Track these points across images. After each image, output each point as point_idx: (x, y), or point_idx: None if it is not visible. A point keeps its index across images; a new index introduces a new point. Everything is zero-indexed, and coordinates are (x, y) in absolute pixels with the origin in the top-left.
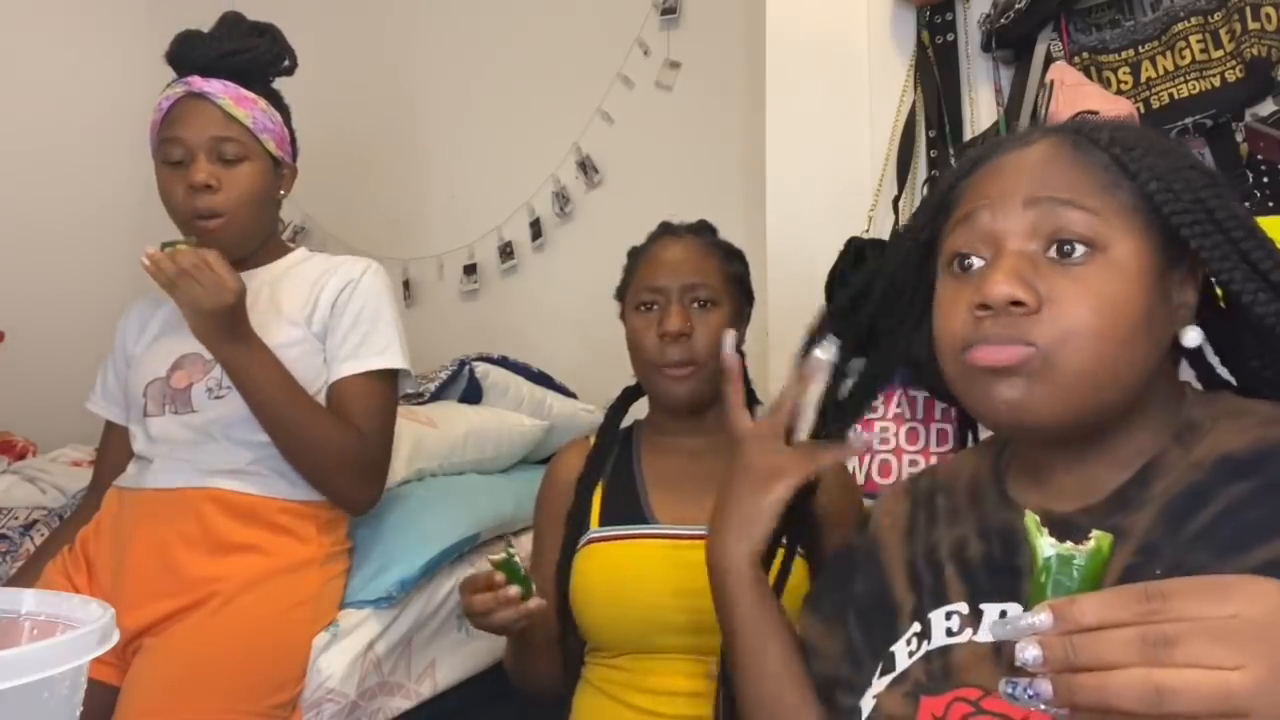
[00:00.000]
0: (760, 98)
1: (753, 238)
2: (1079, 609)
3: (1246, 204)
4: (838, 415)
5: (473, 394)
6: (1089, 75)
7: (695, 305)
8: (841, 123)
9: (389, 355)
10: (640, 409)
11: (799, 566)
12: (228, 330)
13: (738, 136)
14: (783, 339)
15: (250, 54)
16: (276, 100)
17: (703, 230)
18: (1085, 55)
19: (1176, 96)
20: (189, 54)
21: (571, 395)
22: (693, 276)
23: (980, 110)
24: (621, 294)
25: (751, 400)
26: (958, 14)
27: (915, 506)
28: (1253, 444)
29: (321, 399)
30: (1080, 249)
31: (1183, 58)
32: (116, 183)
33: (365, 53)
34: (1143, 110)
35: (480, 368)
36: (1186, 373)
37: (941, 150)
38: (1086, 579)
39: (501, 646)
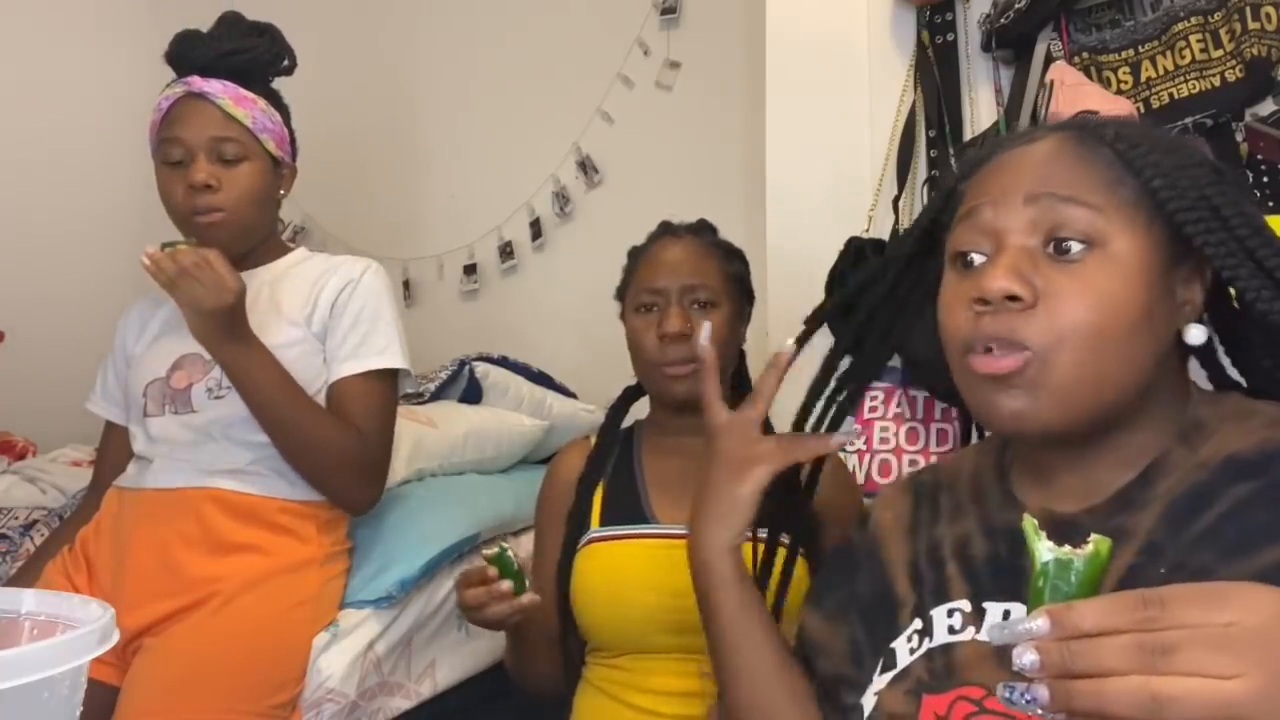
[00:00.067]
0: (760, 98)
1: (753, 238)
2: (1076, 615)
3: None
4: (829, 412)
5: (473, 394)
6: (1089, 75)
7: (695, 306)
8: (841, 123)
9: (389, 355)
10: (641, 409)
11: (799, 566)
12: (227, 330)
13: (738, 136)
14: (783, 339)
15: (250, 54)
16: (276, 100)
17: (703, 230)
18: (1085, 55)
19: (1176, 96)
20: (188, 54)
21: (571, 395)
22: (692, 277)
23: (980, 110)
24: (621, 294)
25: None
26: (958, 14)
27: (918, 503)
28: (1258, 445)
29: (321, 399)
30: (1078, 246)
31: (1183, 58)
32: (117, 183)
33: (365, 53)
34: (1143, 110)
35: (480, 368)
36: (1198, 374)
37: (941, 150)
38: (1084, 584)
39: (501, 646)
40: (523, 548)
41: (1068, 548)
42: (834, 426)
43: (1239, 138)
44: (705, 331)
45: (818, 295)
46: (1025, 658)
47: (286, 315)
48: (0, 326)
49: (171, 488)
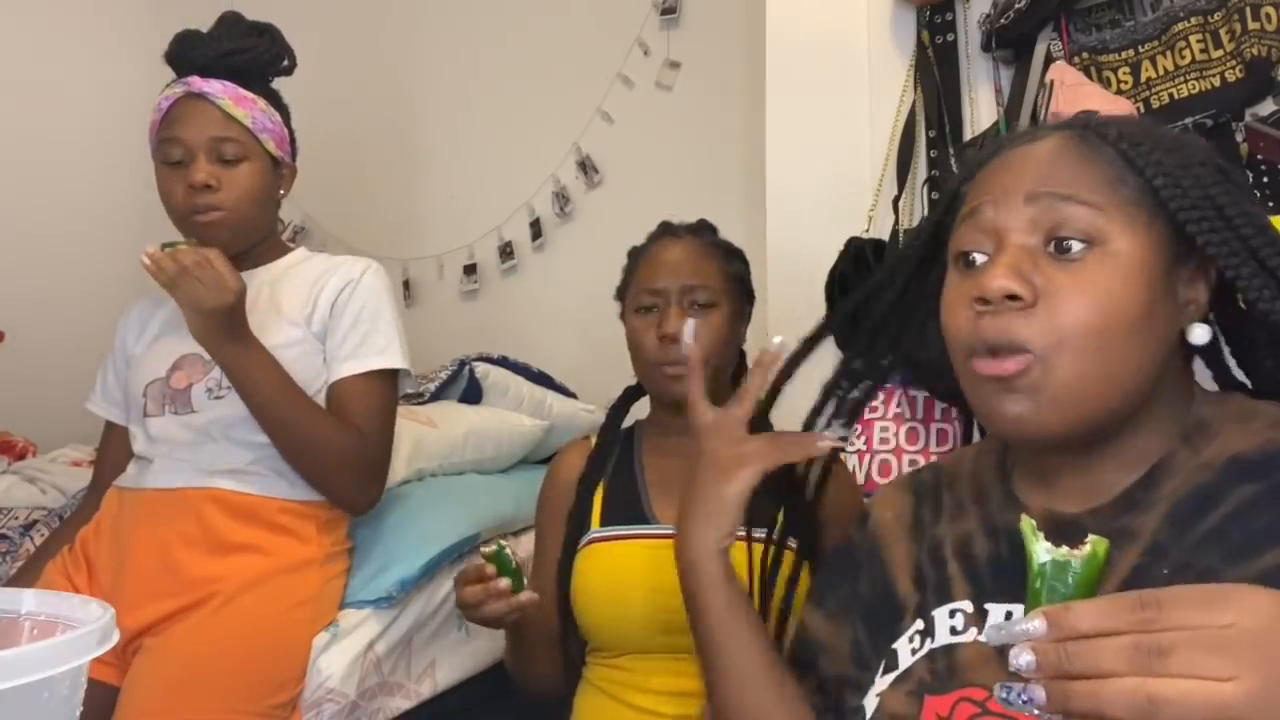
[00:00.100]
0: (760, 98)
1: (753, 238)
2: (1073, 616)
3: None
4: (838, 415)
5: (473, 394)
6: (1089, 75)
7: (695, 306)
8: (841, 123)
9: (389, 355)
10: (641, 409)
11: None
12: (227, 330)
13: (738, 136)
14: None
15: (249, 54)
16: (276, 100)
17: (703, 230)
18: (1085, 55)
19: (1176, 96)
20: (188, 54)
21: (571, 395)
22: (692, 278)
23: (980, 110)
24: (621, 294)
25: None
26: (958, 14)
27: (918, 502)
28: (1261, 446)
29: (321, 399)
30: (1079, 244)
31: (1183, 58)
32: (117, 183)
33: (365, 53)
34: (1142, 110)
35: (480, 368)
36: (1204, 374)
37: (941, 150)
38: (1082, 584)
39: (501, 646)
40: (523, 548)
41: (1065, 549)
42: (847, 428)
43: (1239, 138)
44: (689, 330)
45: (818, 295)
46: (1022, 658)
47: (286, 315)
48: (0, 326)
49: (171, 488)
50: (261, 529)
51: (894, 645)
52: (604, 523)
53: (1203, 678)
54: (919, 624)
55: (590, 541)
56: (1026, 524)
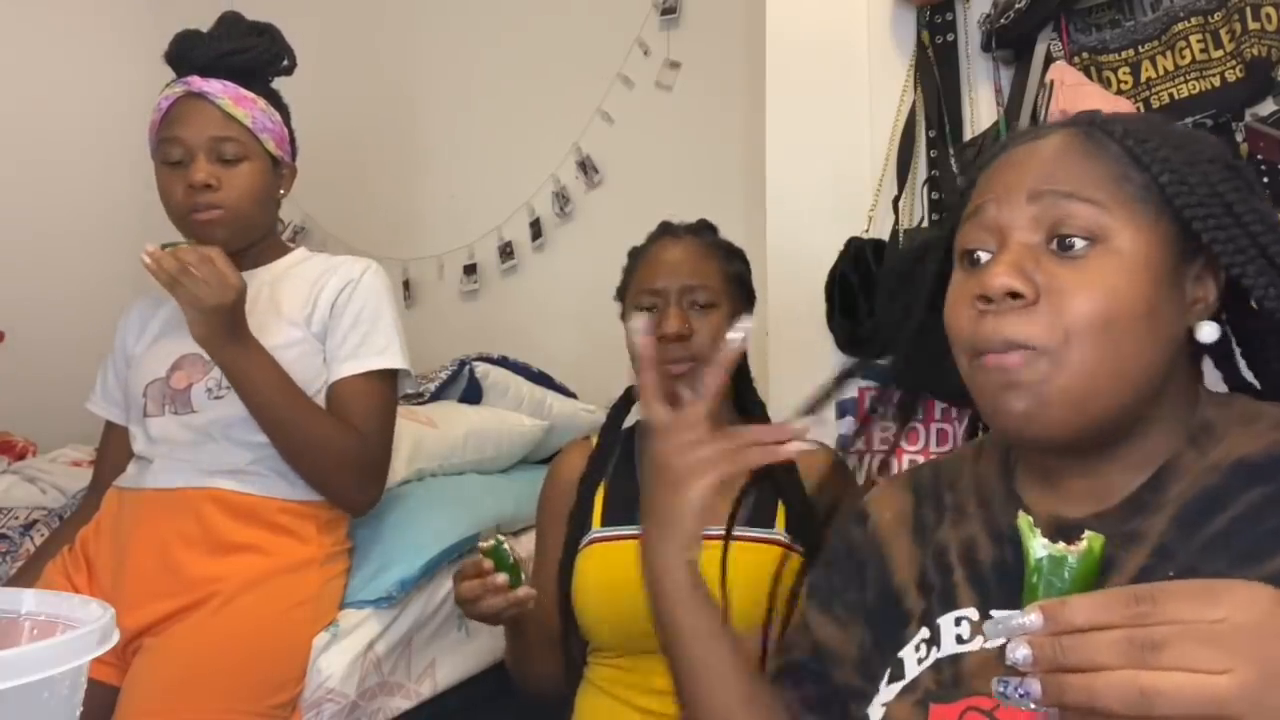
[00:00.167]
0: (760, 98)
1: (753, 238)
2: (1069, 610)
3: None
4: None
5: (473, 394)
6: (1089, 75)
7: (695, 306)
8: (841, 123)
9: (389, 355)
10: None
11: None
12: (228, 330)
13: (738, 136)
14: (782, 339)
15: (249, 54)
16: (276, 100)
17: (703, 230)
18: (1085, 55)
19: (1176, 96)
20: (188, 54)
21: (571, 395)
22: (691, 278)
23: (980, 110)
24: (621, 295)
25: (751, 399)
26: (958, 14)
27: (919, 502)
28: (1267, 449)
29: (321, 399)
30: (1081, 242)
31: (1183, 58)
32: (117, 183)
33: (365, 53)
34: (1143, 110)
35: (480, 368)
36: (1212, 375)
37: (941, 150)
38: (1078, 580)
39: (502, 646)
40: (523, 547)
41: (1061, 544)
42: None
43: (1239, 138)
44: (642, 324)
45: (818, 295)
46: (1018, 652)
47: (286, 315)
48: (0, 326)
49: (171, 488)
50: (261, 529)
51: (900, 654)
52: (605, 523)
53: (1196, 670)
54: (924, 632)
55: (591, 541)
56: (1024, 520)
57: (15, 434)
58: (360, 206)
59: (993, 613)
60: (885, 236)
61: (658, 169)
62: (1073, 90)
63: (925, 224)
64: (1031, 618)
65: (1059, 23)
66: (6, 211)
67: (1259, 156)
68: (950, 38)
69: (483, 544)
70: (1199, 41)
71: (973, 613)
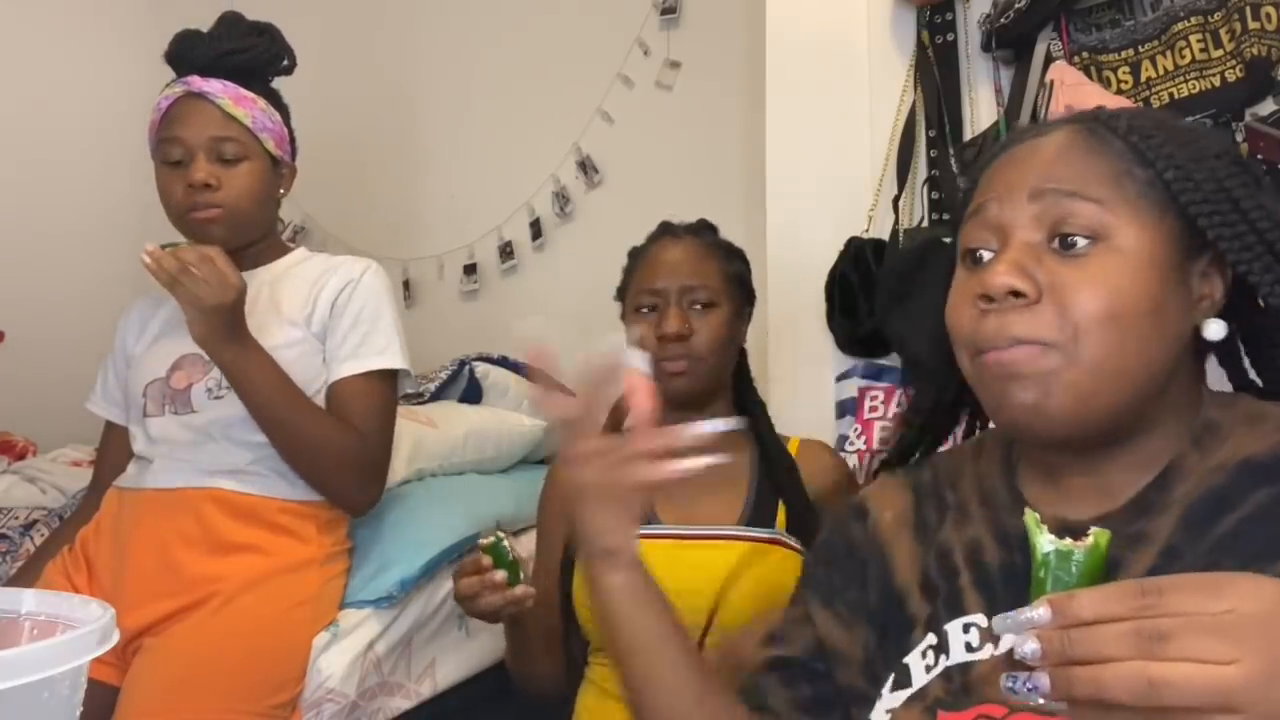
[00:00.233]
0: (760, 98)
1: (753, 238)
2: (1076, 604)
3: None
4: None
5: (473, 394)
6: (1089, 75)
7: (695, 307)
8: (841, 123)
9: (389, 355)
10: None
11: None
12: (228, 330)
13: (738, 136)
14: (782, 339)
15: (249, 53)
16: (275, 99)
17: (703, 230)
18: (1085, 55)
19: (1176, 96)
20: (188, 54)
21: (572, 395)
22: (691, 278)
23: (980, 110)
24: (621, 295)
25: (751, 399)
26: (958, 14)
27: (919, 501)
28: (1272, 449)
29: (321, 399)
30: (1083, 240)
31: (1183, 57)
32: (117, 183)
33: (365, 53)
34: None
35: (480, 368)
36: (1217, 373)
37: (941, 150)
38: (1085, 574)
39: (502, 646)
40: (523, 547)
41: (1068, 540)
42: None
43: (1239, 138)
44: (530, 327)
45: (818, 295)
46: (1027, 646)
47: (286, 315)
48: (0, 326)
49: (171, 488)
50: (261, 529)
51: (905, 660)
52: None
53: (1202, 661)
54: (931, 638)
55: None
56: (1030, 516)
57: (15, 434)
58: (360, 206)
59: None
60: (885, 236)
61: (658, 169)
62: (1073, 90)
63: (925, 224)
64: (1039, 612)
65: (1059, 22)
66: (6, 211)
67: (1259, 156)
68: (950, 38)
69: (483, 541)
70: (1199, 41)
71: (981, 619)
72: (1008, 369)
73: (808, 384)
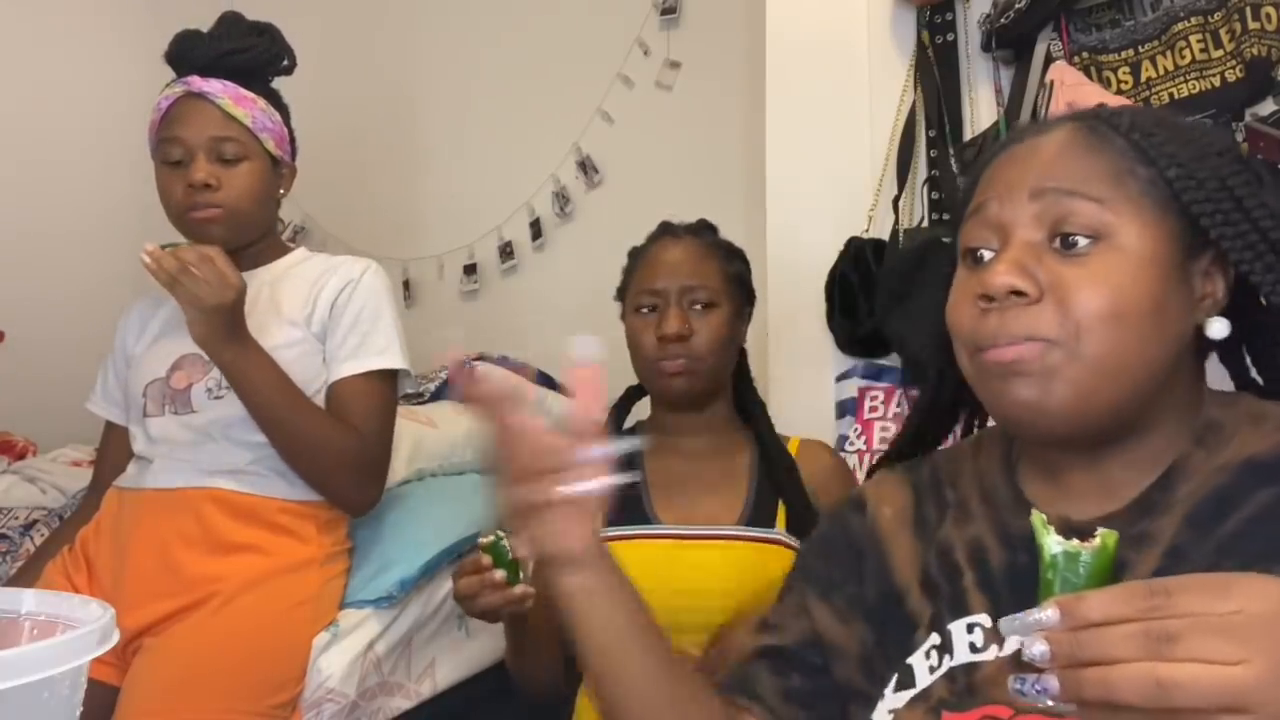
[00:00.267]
0: (760, 98)
1: (753, 238)
2: (1084, 605)
3: None
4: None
5: None
6: (1089, 75)
7: (695, 307)
8: (841, 123)
9: (388, 355)
10: (642, 409)
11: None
12: (228, 330)
13: (738, 136)
14: (782, 339)
15: (249, 53)
16: (275, 99)
17: (703, 230)
18: (1085, 55)
19: (1176, 96)
20: (188, 54)
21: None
22: (691, 278)
23: (980, 110)
24: (621, 295)
25: (751, 399)
26: (958, 14)
27: (919, 497)
28: (1275, 448)
29: (321, 399)
30: (1084, 240)
31: (1183, 57)
32: (117, 183)
33: (365, 53)
34: None
35: (480, 368)
36: (1218, 372)
37: (941, 150)
38: (1093, 575)
39: (502, 646)
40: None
41: (1075, 541)
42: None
43: (1239, 138)
44: (450, 337)
45: (818, 295)
46: (1035, 648)
47: (286, 315)
48: (0, 326)
49: (171, 488)
50: (261, 529)
51: (909, 660)
52: (606, 523)
53: (1211, 661)
54: (935, 639)
55: None
56: (1037, 517)
57: (15, 434)
58: (360, 206)
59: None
60: (885, 236)
61: (658, 169)
62: (1073, 90)
63: (925, 224)
64: (1048, 613)
65: (1059, 22)
66: (6, 211)
67: (1259, 156)
68: (950, 38)
69: (482, 540)
70: (1199, 41)
71: (985, 619)
72: (1008, 366)
73: (808, 384)
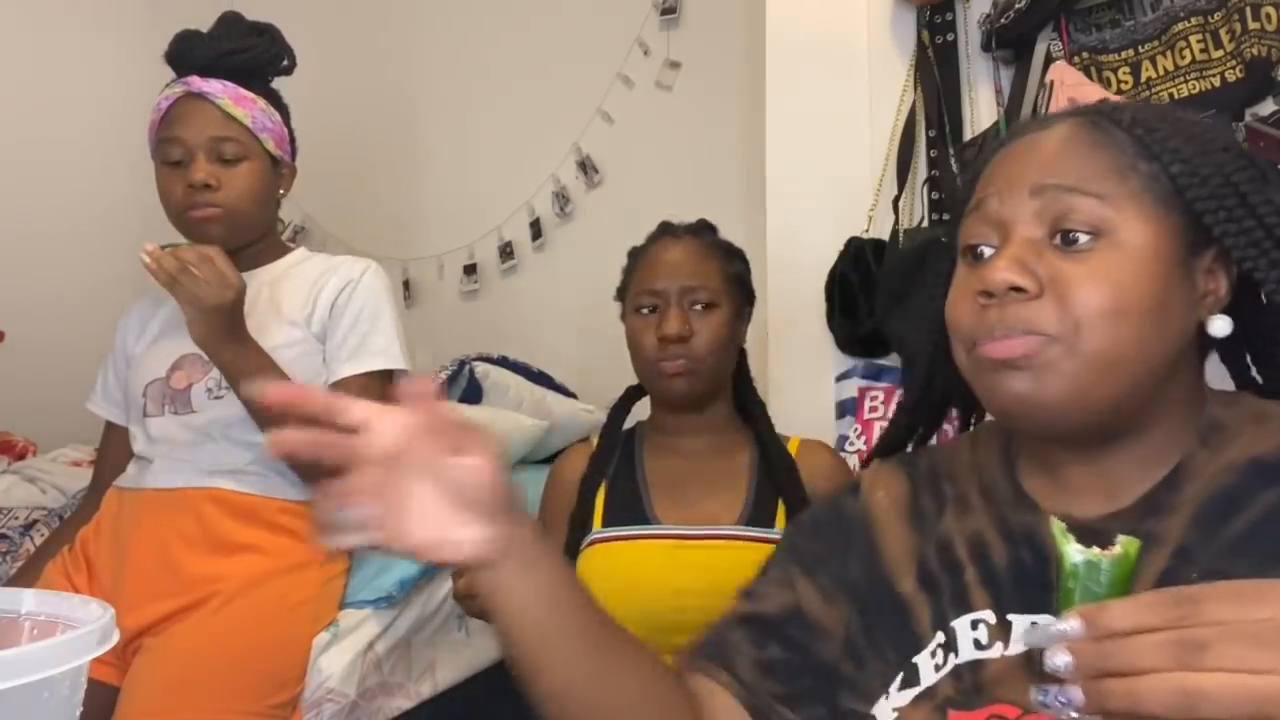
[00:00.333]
0: (760, 98)
1: (753, 238)
2: (1109, 615)
3: None
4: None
5: (473, 394)
6: (1089, 75)
7: (695, 307)
8: (841, 123)
9: (388, 356)
10: (642, 409)
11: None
12: (227, 329)
13: (738, 136)
14: (782, 339)
15: (249, 53)
16: (275, 99)
17: (702, 230)
18: (1085, 55)
19: (1176, 96)
20: (188, 54)
21: (571, 395)
22: (692, 279)
23: (980, 110)
24: (621, 295)
25: (751, 399)
26: (958, 14)
27: (915, 488)
28: (1278, 448)
29: None
30: (1085, 236)
31: (1183, 58)
32: (116, 183)
33: (365, 53)
34: None
35: (480, 368)
36: (1218, 371)
37: (941, 150)
38: (1115, 584)
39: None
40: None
41: (1096, 549)
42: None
43: (1239, 138)
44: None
45: (818, 295)
46: (1058, 659)
47: (286, 315)
48: (0, 326)
49: (171, 488)
50: (261, 529)
51: (914, 659)
52: (606, 524)
53: (1241, 671)
54: (939, 637)
55: (592, 542)
56: (1057, 526)
57: (15, 434)
58: (360, 206)
59: (1010, 618)
60: (885, 236)
61: (658, 169)
62: (1073, 90)
63: (925, 224)
64: (1071, 624)
65: (1059, 23)
66: (6, 211)
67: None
68: (950, 38)
69: None
70: (1199, 41)
71: (989, 616)
72: (1004, 359)
73: (808, 384)
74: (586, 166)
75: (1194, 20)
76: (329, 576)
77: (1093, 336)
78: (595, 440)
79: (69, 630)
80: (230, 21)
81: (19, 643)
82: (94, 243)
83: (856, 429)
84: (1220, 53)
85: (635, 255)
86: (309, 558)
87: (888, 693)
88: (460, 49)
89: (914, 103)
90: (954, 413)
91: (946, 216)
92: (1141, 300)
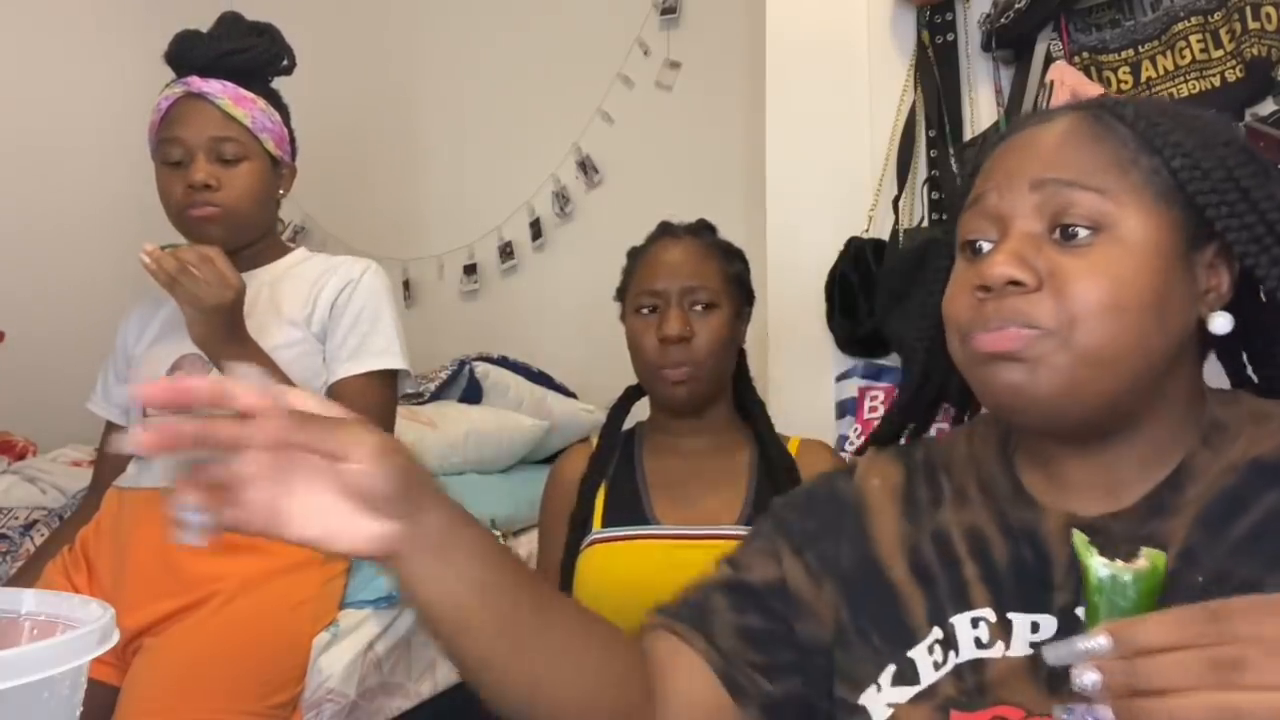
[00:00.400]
0: (760, 98)
1: (753, 238)
2: (1139, 632)
3: None
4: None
5: (473, 394)
6: (1089, 75)
7: (695, 308)
8: (841, 123)
9: (388, 356)
10: (642, 409)
11: None
12: (227, 330)
13: (738, 136)
14: (782, 339)
15: (249, 53)
16: (275, 100)
17: (702, 230)
18: (1085, 55)
19: (1176, 96)
20: (188, 54)
21: (571, 395)
22: (692, 279)
23: (980, 110)
24: (621, 295)
25: (751, 399)
26: (958, 14)
27: (911, 476)
28: (1278, 449)
29: None
30: (1085, 231)
31: (1183, 57)
32: (116, 183)
33: (365, 53)
34: None
35: (480, 368)
36: (1215, 370)
37: (941, 150)
38: (1142, 598)
39: None
40: (523, 548)
41: (1119, 562)
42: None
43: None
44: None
45: (818, 295)
46: (1087, 677)
47: (286, 316)
48: (0, 326)
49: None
50: None
51: (910, 654)
52: (606, 524)
53: (1279, 689)
54: (937, 633)
55: (592, 543)
56: (1079, 538)
57: (15, 434)
58: (360, 206)
59: (1011, 617)
60: (885, 236)
61: (658, 169)
62: (1072, 90)
63: (925, 224)
64: (1100, 641)
65: (1059, 22)
66: (6, 210)
67: None
68: (950, 38)
69: None
70: (1199, 41)
71: (989, 613)
72: (997, 351)
73: (808, 384)
74: (586, 166)
75: (1194, 20)
76: (329, 576)
77: (1089, 331)
78: (595, 440)
79: (69, 630)
80: (230, 22)
81: (19, 643)
82: (94, 242)
83: (856, 429)
84: (1220, 52)
85: (635, 255)
86: (309, 557)
87: (878, 684)
88: (460, 49)
89: (914, 103)
90: (954, 412)
91: (946, 216)
92: (1141, 295)
